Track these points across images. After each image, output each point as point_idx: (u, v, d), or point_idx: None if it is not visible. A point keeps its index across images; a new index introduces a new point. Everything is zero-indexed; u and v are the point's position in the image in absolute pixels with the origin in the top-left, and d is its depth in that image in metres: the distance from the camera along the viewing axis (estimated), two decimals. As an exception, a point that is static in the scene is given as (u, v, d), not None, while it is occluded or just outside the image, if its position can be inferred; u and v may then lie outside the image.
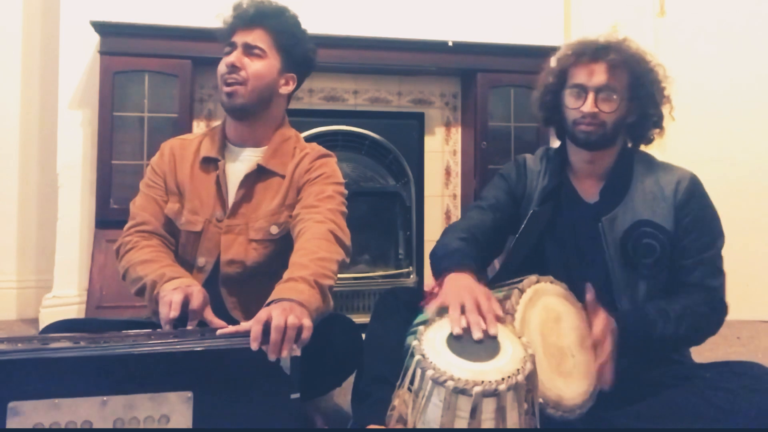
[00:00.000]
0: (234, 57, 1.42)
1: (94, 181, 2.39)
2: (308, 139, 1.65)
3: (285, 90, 1.50)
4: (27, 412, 0.96)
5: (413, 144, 2.79)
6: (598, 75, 1.36)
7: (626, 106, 1.39)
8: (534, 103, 1.55)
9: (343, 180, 1.51)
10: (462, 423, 0.99)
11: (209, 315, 1.25)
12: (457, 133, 2.88)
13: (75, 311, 2.38)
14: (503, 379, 1.00)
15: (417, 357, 1.05)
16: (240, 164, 1.48)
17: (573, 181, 1.47)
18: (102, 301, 2.29)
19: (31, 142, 2.66)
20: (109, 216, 2.34)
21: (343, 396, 1.70)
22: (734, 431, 1.17)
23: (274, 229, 1.43)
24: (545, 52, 2.74)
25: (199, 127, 2.56)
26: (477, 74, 2.69)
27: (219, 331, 1.11)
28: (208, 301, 1.28)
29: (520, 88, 2.74)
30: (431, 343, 1.07)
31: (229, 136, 1.51)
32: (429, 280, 2.66)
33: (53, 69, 2.51)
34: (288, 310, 1.08)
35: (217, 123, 2.18)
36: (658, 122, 1.44)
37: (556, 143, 1.57)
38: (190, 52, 2.42)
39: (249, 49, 1.43)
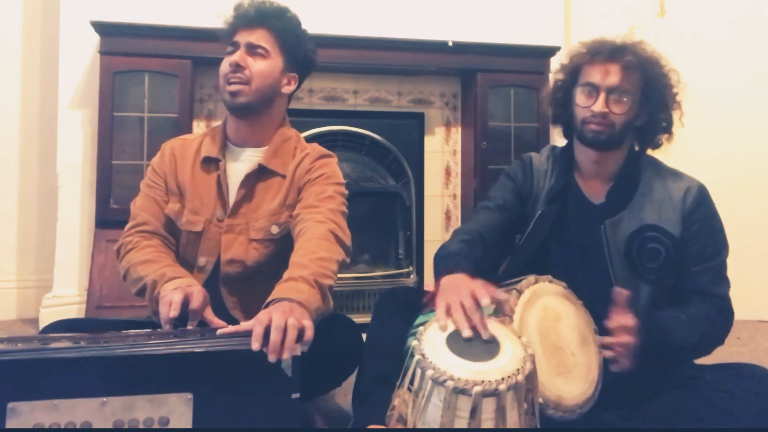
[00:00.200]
0: (238, 56, 1.42)
1: (94, 181, 2.39)
2: (308, 139, 1.65)
3: (287, 89, 1.51)
4: (26, 412, 0.96)
5: (413, 144, 2.78)
6: (611, 75, 1.36)
7: (637, 108, 1.38)
8: (544, 99, 1.54)
9: (343, 180, 1.51)
10: (462, 423, 0.99)
11: (209, 315, 1.25)
12: (457, 133, 2.87)
13: (75, 311, 2.38)
14: (503, 379, 1.00)
15: (417, 357, 1.05)
16: (241, 164, 1.48)
17: (579, 182, 1.47)
18: (102, 301, 2.29)
19: (31, 142, 2.66)
20: (109, 216, 2.34)
21: (343, 396, 1.70)
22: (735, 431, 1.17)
23: (275, 229, 1.43)
24: (545, 52, 2.75)
25: (199, 127, 2.56)
26: (477, 74, 2.68)
27: (219, 331, 1.11)
28: (209, 301, 1.28)
29: (520, 88, 2.74)
30: (431, 343, 1.07)
31: (230, 136, 1.51)
32: (429, 280, 2.67)
33: (53, 69, 2.51)
34: (288, 312, 1.08)
35: (217, 123, 2.19)
36: (667, 127, 1.43)
37: (557, 144, 1.57)
38: (190, 52, 2.42)
39: (252, 49, 1.44)
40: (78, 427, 0.97)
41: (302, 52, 1.51)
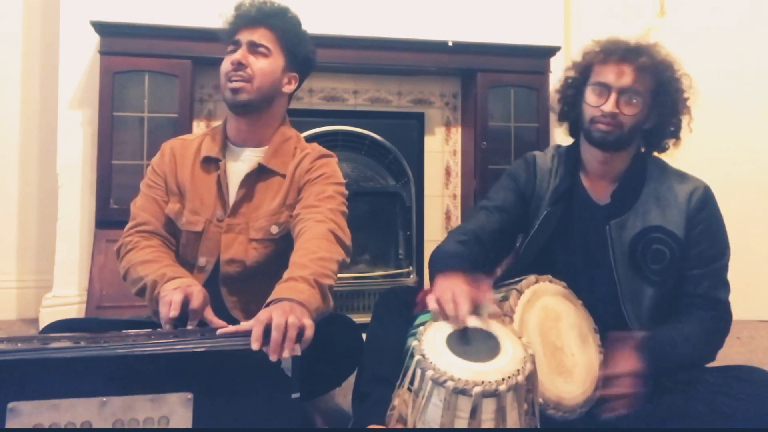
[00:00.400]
0: (240, 55, 1.42)
1: (94, 181, 2.39)
2: (308, 139, 1.65)
3: (287, 89, 1.51)
4: (26, 412, 0.96)
5: (413, 144, 2.79)
6: (624, 76, 1.34)
7: (647, 111, 1.37)
8: (553, 95, 1.53)
9: (343, 180, 1.50)
10: (462, 423, 0.99)
11: (209, 315, 1.25)
12: (457, 133, 2.87)
13: (75, 311, 2.38)
14: (503, 379, 1.00)
15: (417, 357, 1.05)
16: (241, 164, 1.48)
17: (584, 182, 1.46)
18: (102, 301, 2.29)
19: (31, 142, 2.66)
20: (109, 216, 2.34)
21: (343, 396, 1.70)
22: None
23: (275, 229, 1.43)
24: (545, 52, 2.75)
25: (199, 127, 2.56)
26: (477, 74, 2.68)
27: (219, 331, 1.11)
28: (209, 300, 1.28)
29: (520, 88, 2.74)
30: (431, 344, 1.07)
31: (230, 136, 1.51)
32: (429, 281, 2.67)
33: (53, 69, 2.51)
34: (288, 311, 1.08)
35: (217, 123, 2.19)
36: (675, 132, 1.43)
37: (559, 143, 1.56)
38: (190, 52, 2.42)
39: (254, 48, 1.44)
40: (78, 427, 0.97)
41: (303, 51, 1.51)
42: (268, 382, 1.04)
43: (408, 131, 2.78)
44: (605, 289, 1.37)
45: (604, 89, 1.36)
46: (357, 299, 2.57)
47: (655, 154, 1.47)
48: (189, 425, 1.01)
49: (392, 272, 2.71)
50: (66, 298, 2.43)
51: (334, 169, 1.50)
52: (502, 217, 1.46)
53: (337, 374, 1.47)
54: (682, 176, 1.43)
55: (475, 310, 1.13)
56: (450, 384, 0.99)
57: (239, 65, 1.42)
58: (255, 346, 1.03)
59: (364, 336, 1.39)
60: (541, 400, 1.10)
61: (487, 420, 0.99)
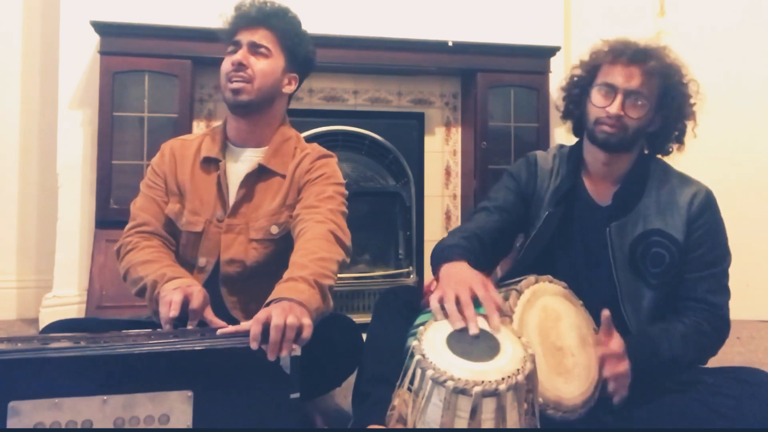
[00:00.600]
0: (240, 55, 1.42)
1: (94, 181, 2.39)
2: (308, 139, 1.65)
3: (288, 90, 1.51)
4: (27, 411, 0.96)
5: (413, 144, 2.79)
6: (632, 78, 1.33)
7: (652, 115, 1.37)
8: (558, 93, 1.52)
9: (343, 180, 1.51)
10: (462, 423, 0.99)
11: (209, 315, 1.25)
12: (457, 133, 2.88)
13: (75, 311, 2.38)
14: (503, 379, 1.00)
15: (417, 357, 1.04)
16: (241, 164, 1.48)
17: (586, 183, 1.45)
18: (102, 301, 2.29)
19: (31, 142, 2.66)
20: (109, 216, 2.34)
21: (343, 396, 1.70)
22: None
23: (275, 229, 1.43)
24: (545, 52, 2.75)
25: (199, 127, 2.56)
26: (477, 74, 2.68)
27: (219, 331, 1.11)
28: (209, 301, 1.28)
29: (520, 88, 2.75)
30: (431, 343, 1.07)
31: (230, 137, 1.51)
32: (428, 280, 2.67)
33: (53, 69, 2.51)
34: (287, 310, 1.08)
35: (217, 123, 2.19)
36: (679, 137, 1.42)
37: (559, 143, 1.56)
38: (190, 52, 2.42)
39: (255, 48, 1.44)
40: (79, 425, 0.98)
41: (303, 52, 1.51)
42: (268, 381, 1.04)
43: (408, 131, 2.78)
44: (605, 291, 1.37)
45: (611, 90, 1.35)
46: (357, 299, 2.57)
47: (658, 156, 1.46)
48: (189, 423, 1.01)
49: (392, 272, 2.71)
50: (66, 298, 2.43)
51: (334, 169, 1.50)
52: (503, 217, 1.46)
53: (337, 374, 1.47)
54: (684, 179, 1.42)
55: (476, 308, 1.13)
56: (450, 384, 0.99)
57: (240, 66, 1.42)
58: (253, 345, 1.03)
59: (364, 336, 1.39)
60: (540, 400, 1.10)
61: (487, 420, 0.99)
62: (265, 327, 1.05)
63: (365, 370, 1.31)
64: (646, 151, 1.46)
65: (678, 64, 1.39)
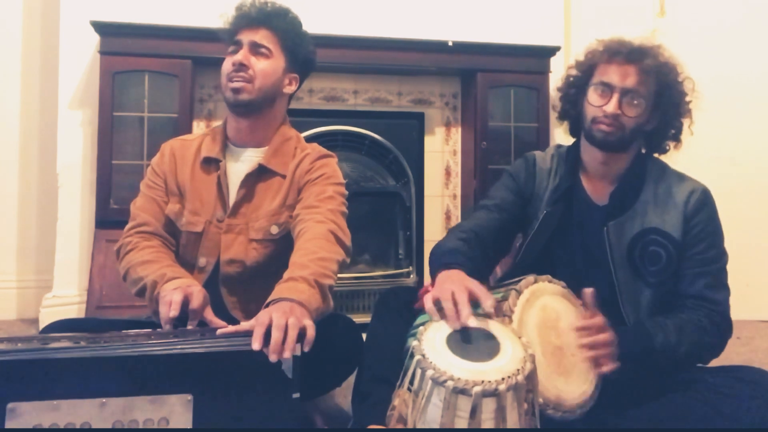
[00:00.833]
0: (241, 55, 1.42)
1: (94, 181, 2.39)
2: (308, 139, 1.65)
3: (288, 90, 1.51)
4: (26, 413, 0.96)
5: (413, 144, 2.79)
6: (628, 77, 1.34)
7: (649, 113, 1.37)
8: (555, 93, 1.52)
9: (343, 180, 1.51)
10: (462, 423, 0.99)
11: (209, 315, 1.25)
12: (457, 133, 2.88)
13: (75, 311, 2.38)
14: (503, 379, 1.00)
15: (417, 357, 1.04)
16: (241, 164, 1.48)
17: (584, 182, 1.46)
18: (102, 301, 2.29)
19: (31, 142, 2.66)
20: (109, 216, 2.34)
21: (343, 396, 1.69)
22: None
23: (275, 229, 1.43)
24: (545, 52, 2.75)
25: (199, 127, 2.56)
26: (477, 74, 2.68)
27: (219, 331, 1.11)
28: (209, 301, 1.28)
29: (520, 88, 2.75)
30: (431, 343, 1.07)
31: (230, 137, 1.51)
32: (429, 280, 2.67)
33: (53, 69, 2.51)
34: (289, 312, 1.08)
35: (217, 123, 2.19)
36: (676, 135, 1.42)
37: (559, 143, 1.56)
38: (190, 52, 2.42)
39: (256, 48, 1.44)
40: (77, 427, 0.97)
41: (304, 53, 1.52)
42: (269, 383, 1.04)
43: (408, 131, 2.78)
44: (604, 290, 1.37)
45: (607, 89, 1.35)
46: (357, 299, 2.57)
47: (656, 155, 1.47)
48: (189, 426, 1.01)
49: (392, 272, 2.71)
50: (66, 298, 2.43)
51: (334, 169, 1.50)
52: (502, 216, 1.46)
53: (337, 374, 1.47)
54: (681, 177, 1.42)
55: (474, 309, 1.13)
56: (450, 384, 0.99)
57: (241, 66, 1.42)
58: (256, 346, 1.03)
59: (364, 336, 1.39)
60: (540, 399, 1.10)
61: (487, 420, 0.99)
62: (267, 328, 1.04)
63: (365, 370, 1.31)
64: (643, 150, 1.46)
65: (673, 63, 1.39)
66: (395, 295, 1.42)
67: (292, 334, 1.04)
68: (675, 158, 1.47)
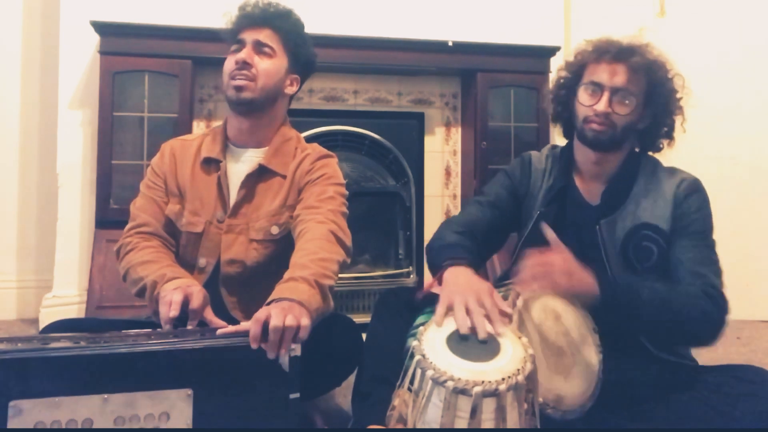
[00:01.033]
0: (245, 54, 1.42)
1: (94, 181, 2.39)
2: (308, 139, 1.65)
3: (290, 91, 1.51)
4: (28, 410, 0.96)
5: (413, 144, 2.79)
6: (617, 76, 1.34)
7: (640, 111, 1.37)
8: (546, 96, 1.53)
9: (344, 181, 1.51)
10: (462, 423, 0.99)
11: (209, 315, 1.26)
12: (457, 133, 2.88)
13: (75, 311, 2.38)
14: (503, 379, 1.00)
15: (417, 357, 1.04)
16: (242, 165, 1.48)
17: (577, 182, 1.46)
18: (102, 301, 2.29)
19: (31, 142, 2.66)
20: (109, 216, 2.34)
21: (343, 396, 1.70)
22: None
23: (275, 230, 1.43)
24: (545, 52, 2.76)
25: (199, 127, 2.56)
26: (477, 74, 2.68)
27: (219, 331, 1.11)
28: (209, 301, 1.28)
29: (520, 88, 2.75)
30: (431, 344, 1.07)
31: (231, 137, 1.51)
32: (429, 280, 2.67)
33: (53, 69, 2.51)
34: (287, 310, 1.08)
35: (217, 123, 2.19)
36: (669, 132, 1.42)
37: (557, 143, 1.56)
38: (190, 52, 2.42)
39: (259, 47, 1.44)
40: (79, 424, 0.98)
41: (306, 54, 1.52)
42: (268, 380, 1.05)
43: (408, 131, 2.78)
44: None
45: (597, 89, 1.36)
46: (357, 299, 2.57)
47: (650, 154, 1.47)
48: (189, 421, 1.01)
49: (392, 272, 2.72)
50: (66, 298, 2.43)
51: (334, 169, 1.50)
52: (494, 214, 1.47)
53: (337, 374, 1.47)
54: (672, 171, 1.42)
55: None
56: (450, 384, 0.99)
57: (244, 64, 1.42)
58: (253, 345, 1.04)
59: (364, 336, 1.39)
60: (540, 399, 1.10)
61: (487, 420, 0.99)
62: (265, 326, 1.05)
63: (365, 370, 1.31)
64: (637, 149, 1.46)
65: (662, 60, 1.39)
66: (395, 295, 1.43)
67: (288, 333, 1.05)
68: (674, 158, 1.47)
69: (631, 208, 1.38)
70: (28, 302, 2.63)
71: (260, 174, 1.46)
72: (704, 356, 1.42)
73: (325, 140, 2.54)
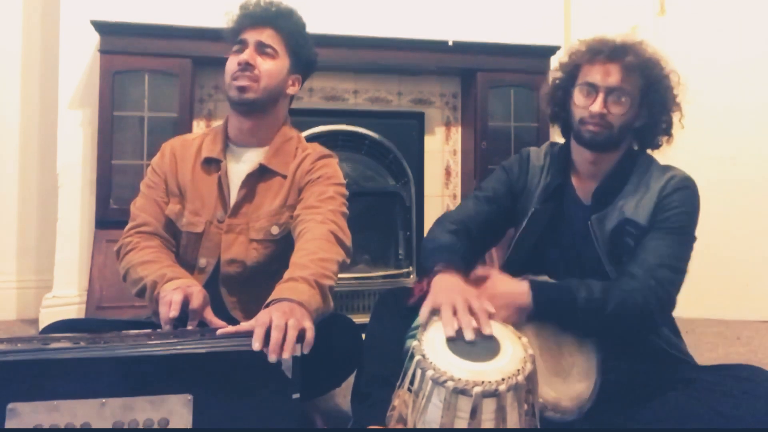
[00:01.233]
0: (247, 55, 1.42)
1: (94, 181, 2.39)
2: (308, 139, 1.65)
3: (291, 91, 1.51)
4: (26, 413, 0.96)
5: (413, 144, 2.79)
6: (611, 75, 1.34)
7: (636, 110, 1.37)
8: (543, 97, 1.53)
9: (344, 181, 1.51)
10: (462, 423, 0.99)
11: (209, 315, 1.25)
12: (457, 133, 2.87)
13: (75, 311, 2.38)
14: (503, 379, 1.00)
15: (417, 357, 1.04)
16: (242, 164, 1.48)
17: (574, 181, 1.46)
18: (102, 301, 2.29)
19: (31, 142, 2.66)
20: (109, 216, 2.34)
21: (343, 396, 1.69)
22: (733, 432, 1.17)
23: (275, 230, 1.43)
24: (545, 52, 2.75)
25: (199, 127, 2.56)
26: (477, 74, 2.68)
27: (219, 331, 1.11)
28: (209, 301, 1.28)
29: (520, 88, 2.75)
30: (431, 344, 1.07)
31: (231, 137, 1.51)
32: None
33: (53, 69, 2.51)
34: (289, 312, 1.08)
35: (217, 123, 2.19)
36: (667, 129, 1.42)
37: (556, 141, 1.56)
38: (190, 51, 2.42)
39: (261, 48, 1.44)
40: (77, 428, 0.97)
41: (307, 54, 1.52)
42: (269, 383, 1.04)
43: (408, 131, 2.78)
44: None
45: (592, 89, 1.35)
46: (357, 299, 2.57)
47: (648, 151, 1.46)
48: (189, 427, 1.01)
49: (392, 272, 2.71)
50: (66, 298, 2.43)
51: (334, 169, 1.50)
52: (491, 209, 1.47)
53: (336, 374, 1.47)
54: (665, 168, 1.41)
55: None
56: (450, 384, 0.99)
57: (247, 65, 1.41)
58: (256, 346, 1.03)
59: (364, 336, 1.39)
60: (540, 400, 1.10)
61: (487, 420, 0.99)
62: (267, 329, 1.04)
63: (365, 370, 1.31)
64: (636, 148, 1.46)
65: (656, 57, 1.39)
66: (394, 296, 1.42)
67: (292, 335, 1.04)
68: (674, 158, 1.46)
69: (619, 205, 1.38)
70: (28, 302, 2.63)
71: (261, 174, 1.46)
72: (704, 356, 1.42)
73: (325, 140, 2.54)
